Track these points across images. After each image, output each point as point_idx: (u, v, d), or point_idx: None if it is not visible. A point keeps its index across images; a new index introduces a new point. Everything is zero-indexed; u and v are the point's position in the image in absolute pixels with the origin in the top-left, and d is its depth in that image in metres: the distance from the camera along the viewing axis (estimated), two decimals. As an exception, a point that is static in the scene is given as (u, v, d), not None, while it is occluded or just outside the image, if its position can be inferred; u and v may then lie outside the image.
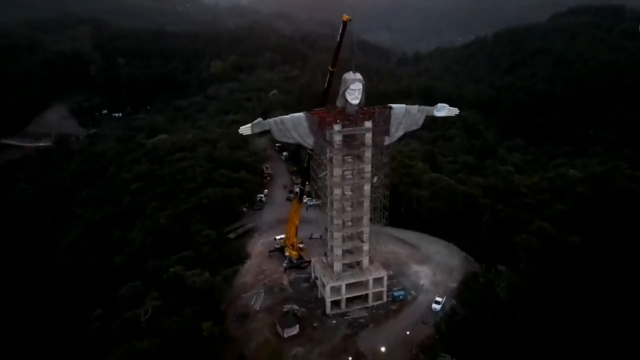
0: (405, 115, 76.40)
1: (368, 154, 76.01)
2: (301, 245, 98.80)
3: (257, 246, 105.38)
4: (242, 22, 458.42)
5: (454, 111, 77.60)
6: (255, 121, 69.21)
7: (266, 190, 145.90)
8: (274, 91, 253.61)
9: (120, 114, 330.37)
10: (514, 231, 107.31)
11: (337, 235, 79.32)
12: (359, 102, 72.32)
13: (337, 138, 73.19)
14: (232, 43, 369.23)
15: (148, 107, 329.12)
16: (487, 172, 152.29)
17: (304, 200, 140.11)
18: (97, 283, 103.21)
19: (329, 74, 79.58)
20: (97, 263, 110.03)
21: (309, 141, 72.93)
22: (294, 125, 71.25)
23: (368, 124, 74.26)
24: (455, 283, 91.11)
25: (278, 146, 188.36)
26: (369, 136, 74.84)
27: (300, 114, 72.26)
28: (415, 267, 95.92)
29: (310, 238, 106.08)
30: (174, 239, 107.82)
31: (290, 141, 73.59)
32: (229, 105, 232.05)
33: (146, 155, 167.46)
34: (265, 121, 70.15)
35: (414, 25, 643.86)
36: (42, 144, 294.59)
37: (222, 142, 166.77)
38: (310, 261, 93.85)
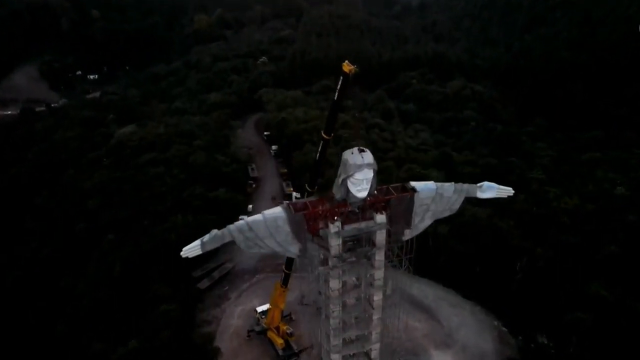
0: (435, 200, 51.53)
1: (380, 256, 51.71)
2: (289, 331, 76.71)
3: (234, 319, 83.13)
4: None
5: (506, 191, 52.88)
6: (208, 236, 44.62)
7: (251, 207, 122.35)
8: (264, 58, 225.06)
9: (97, 76, 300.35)
10: (558, 289, 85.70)
11: (335, 357, 56.68)
12: (368, 193, 47.46)
13: (336, 242, 48.89)
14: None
15: (127, 67, 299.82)
16: (512, 179, 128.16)
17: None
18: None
19: (321, 142, 54.00)
20: (32, 330, 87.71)
21: (292, 249, 48.38)
22: (268, 231, 46.63)
23: (380, 218, 49.49)
24: (489, 386, 69.91)
25: (267, 135, 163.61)
26: (381, 234, 50.41)
27: (279, 211, 47.24)
28: (435, 356, 74.32)
29: (301, 304, 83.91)
30: (128, 300, 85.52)
31: (264, 251, 49.18)
32: (212, 78, 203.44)
33: (109, 155, 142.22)
34: (225, 231, 45.53)
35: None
36: (9, 112, 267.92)
37: (199, 139, 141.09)
38: (301, 351, 72.45)
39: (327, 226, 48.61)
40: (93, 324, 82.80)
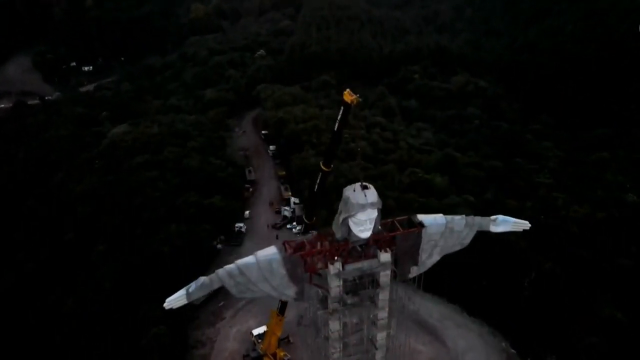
0: (444, 235, 47.22)
1: (384, 296, 47.63)
2: (286, 358, 72.87)
3: (229, 341, 79.24)
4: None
5: (522, 225, 48.67)
6: (194, 285, 40.32)
7: (247, 212, 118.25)
8: (261, 51, 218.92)
9: (91, 67, 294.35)
10: (568, 307, 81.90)
11: (335, 398, 52.69)
12: (372, 232, 43.09)
13: (336, 284, 44.68)
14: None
15: (122, 58, 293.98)
16: (519, 183, 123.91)
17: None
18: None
19: (320, 174, 49.31)
20: (17, 354, 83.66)
21: (288, 293, 44.24)
22: (262, 274, 42.31)
23: (385, 257, 45.13)
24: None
25: (265, 134, 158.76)
26: (386, 275, 46.16)
27: (273, 252, 42.66)
28: (441, 384, 70.63)
29: (300, 325, 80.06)
30: (118, 321, 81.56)
31: (257, 295, 44.96)
32: (208, 73, 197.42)
33: (102, 157, 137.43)
34: (213, 277, 41.13)
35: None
36: (2, 106, 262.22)
37: (194, 140, 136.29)
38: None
39: (326, 266, 44.46)
40: (81, 348, 78.81)
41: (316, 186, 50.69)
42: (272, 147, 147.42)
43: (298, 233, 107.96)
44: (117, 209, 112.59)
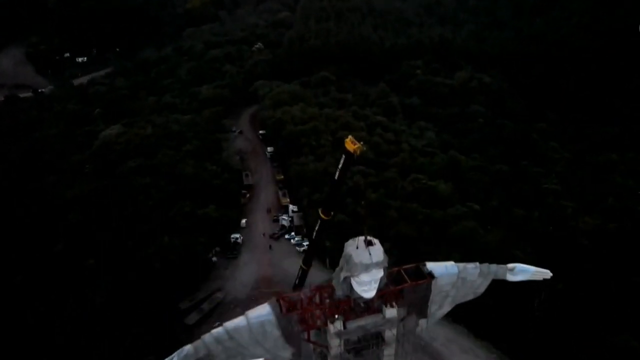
0: (456, 285, 42.93)
1: (390, 351, 43.50)
2: (283, 393, 69.00)
3: (222, 370, 75.17)
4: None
5: (542, 274, 44.28)
6: (177, 357, 35.69)
7: (244, 221, 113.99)
8: (259, 44, 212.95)
9: (85, 59, 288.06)
10: (582, 330, 78.10)
11: None
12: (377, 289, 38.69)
13: (336, 343, 40.48)
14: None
15: (117, 49, 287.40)
16: (525, 187, 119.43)
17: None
18: None
19: (319, 222, 44.66)
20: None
21: (283, 355, 40.09)
22: (254, 338, 37.96)
23: (390, 313, 40.85)
24: None
25: (262, 134, 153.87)
26: (391, 333, 41.95)
27: (266, 312, 38.03)
28: (447, 419, 66.93)
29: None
30: (108, 347, 77.71)
31: (248, 359, 40.68)
32: (204, 68, 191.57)
33: (94, 159, 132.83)
34: (199, 344, 36.90)
35: None
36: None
37: (189, 143, 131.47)
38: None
39: (325, 324, 40.22)
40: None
41: (314, 234, 46.15)
42: (270, 149, 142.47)
43: (296, 245, 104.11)
44: (109, 218, 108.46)
